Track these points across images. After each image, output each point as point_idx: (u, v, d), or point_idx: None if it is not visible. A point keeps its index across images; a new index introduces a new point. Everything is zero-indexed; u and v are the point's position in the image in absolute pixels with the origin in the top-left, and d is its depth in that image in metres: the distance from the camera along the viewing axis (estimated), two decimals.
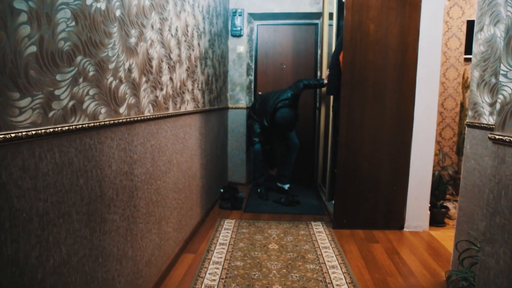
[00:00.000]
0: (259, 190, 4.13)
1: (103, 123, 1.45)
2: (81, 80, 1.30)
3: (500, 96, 1.30)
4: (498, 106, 1.31)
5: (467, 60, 4.05)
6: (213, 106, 3.68)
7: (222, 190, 3.93)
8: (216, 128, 3.83)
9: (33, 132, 1.05)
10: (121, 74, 1.61)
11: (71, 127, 1.23)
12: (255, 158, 4.11)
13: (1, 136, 0.93)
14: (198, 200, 3.10)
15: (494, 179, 1.32)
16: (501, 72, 1.30)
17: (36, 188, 1.09)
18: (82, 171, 1.33)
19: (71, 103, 1.24)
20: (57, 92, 1.17)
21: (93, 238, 1.42)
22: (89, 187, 1.38)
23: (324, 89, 4.10)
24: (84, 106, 1.33)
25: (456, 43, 3.99)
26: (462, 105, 3.94)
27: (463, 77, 3.96)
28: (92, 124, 1.37)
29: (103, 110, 1.46)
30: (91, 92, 1.37)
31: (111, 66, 1.52)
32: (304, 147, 4.83)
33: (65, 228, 1.23)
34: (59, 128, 1.17)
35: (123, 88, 1.63)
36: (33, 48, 1.05)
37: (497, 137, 1.29)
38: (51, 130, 1.13)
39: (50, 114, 1.14)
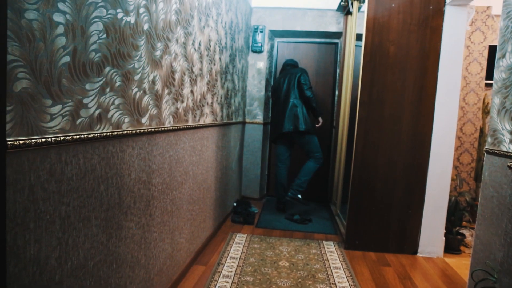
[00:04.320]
0: (296, 217, 3.85)
1: (126, 132, 1.50)
2: (108, 90, 1.35)
3: None
4: None
5: (488, 85, 4.01)
6: (231, 120, 3.73)
7: (235, 204, 3.94)
8: (233, 142, 3.88)
9: (61, 138, 1.10)
10: (145, 85, 1.67)
11: (96, 134, 1.28)
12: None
13: (33, 141, 0.98)
14: (211, 213, 3.12)
15: None
16: None
17: (61, 191, 1.13)
18: (103, 178, 1.37)
19: (97, 112, 1.30)
20: (85, 101, 1.22)
21: (109, 244, 1.45)
22: (109, 193, 1.42)
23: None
24: (109, 115, 1.38)
25: (477, 68, 3.96)
26: (482, 130, 3.88)
27: (483, 103, 3.92)
28: (115, 133, 1.42)
29: (126, 120, 1.51)
30: (117, 102, 1.42)
31: (137, 77, 1.58)
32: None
33: (84, 233, 1.27)
34: (85, 135, 1.22)
35: (146, 99, 1.69)
36: (67, 58, 1.11)
37: None
38: (78, 136, 1.18)
39: (78, 121, 1.19)
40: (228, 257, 2.77)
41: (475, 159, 4.02)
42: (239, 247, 3.00)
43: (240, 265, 2.64)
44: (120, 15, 1.40)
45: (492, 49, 3.94)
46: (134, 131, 1.58)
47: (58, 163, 1.11)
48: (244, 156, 4.61)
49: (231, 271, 2.53)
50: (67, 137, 1.12)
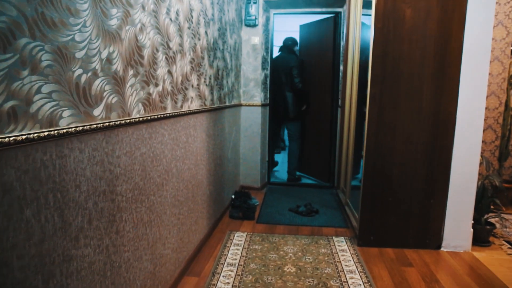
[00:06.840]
0: (302, 209, 3.59)
1: (65, 130, 1.08)
2: (26, 72, 0.93)
3: None
4: None
5: None
6: (224, 103, 3.29)
7: (233, 196, 3.56)
8: (227, 128, 3.45)
9: None
10: (96, 65, 1.24)
11: (7, 139, 0.87)
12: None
13: None
14: (205, 211, 2.73)
15: None
16: None
17: None
18: (29, 199, 0.96)
19: (8, 105, 0.88)
20: None
21: (50, 287, 1.06)
22: (41, 218, 1.01)
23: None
24: (33, 108, 0.96)
25: (502, 32, 3.48)
26: (507, 104, 3.44)
27: (509, 72, 3.47)
28: (46, 133, 1.00)
29: (65, 113, 1.09)
30: (45, 89, 1.00)
31: (79, 54, 1.14)
32: (321, 143, 4.49)
33: None
34: None
35: (98, 84, 1.26)
36: None
37: None
38: None
39: None
40: (225, 264, 2.40)
41: (499, 137, 3.60)
42: (237, 249, 2.62)
43: (238, 274, 2.26)
44: None
45: None
46: (81, 128, 1.16)
47: None
48: (242, 142, 4.20)
49: (228, 283, 2.16)
50: None
